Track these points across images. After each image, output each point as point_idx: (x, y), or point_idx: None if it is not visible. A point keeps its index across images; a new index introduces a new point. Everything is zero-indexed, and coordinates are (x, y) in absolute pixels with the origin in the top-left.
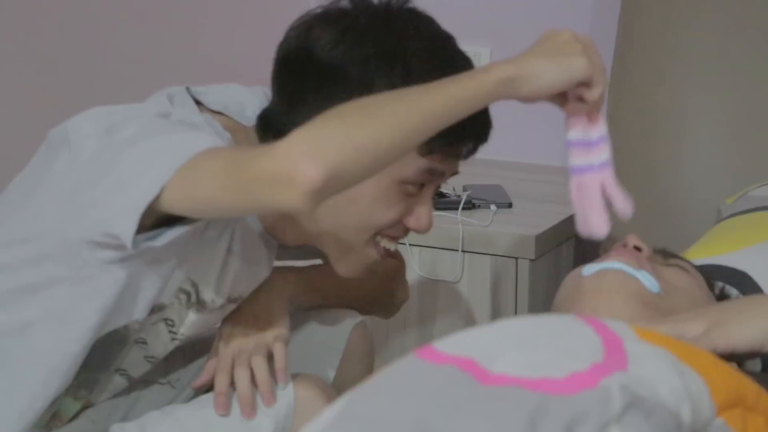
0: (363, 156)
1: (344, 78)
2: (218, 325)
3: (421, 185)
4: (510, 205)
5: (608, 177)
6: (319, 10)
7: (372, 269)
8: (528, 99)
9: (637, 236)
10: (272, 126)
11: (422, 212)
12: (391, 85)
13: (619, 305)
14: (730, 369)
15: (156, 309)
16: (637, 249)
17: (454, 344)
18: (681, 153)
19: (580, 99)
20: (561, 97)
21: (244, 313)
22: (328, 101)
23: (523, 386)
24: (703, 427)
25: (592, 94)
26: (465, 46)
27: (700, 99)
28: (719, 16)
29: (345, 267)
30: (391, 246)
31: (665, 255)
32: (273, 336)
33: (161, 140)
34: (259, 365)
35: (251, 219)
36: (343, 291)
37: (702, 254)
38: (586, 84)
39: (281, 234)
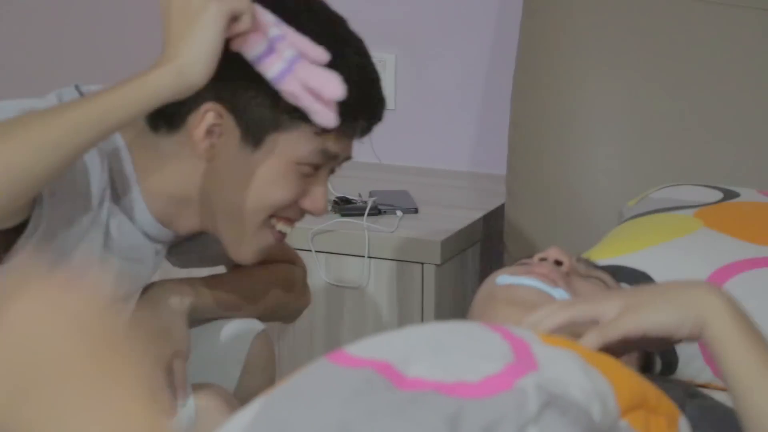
0: None
1: (235, 57)
2: None
3: (317, 166)
4: (416, 211)
5: (303, 72)
6: None
7: (275, 272)
8: (203, 82)
9: (559, 248)
10: (163, 111)
11: (318, 193)
12: None
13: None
14: (632, 372)
15: None
16: (558, 263)
17: (368, 348)
18: (585, 156)
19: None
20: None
21: (142, 329)
22: (220, 81)
23: (440, 391)
24: (609, 429)
25: (245, 23)
26: (370, 52)
27: (603, 102)
28: (620, 21)
29: (241, 252)
30: (287, 229)
31: (587, 266)
32: (171, 351)
33: None
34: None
35: (137, 211)
36: (243, 300)
37: (603, 255)
38: (234, 20)
39: (174, 221)
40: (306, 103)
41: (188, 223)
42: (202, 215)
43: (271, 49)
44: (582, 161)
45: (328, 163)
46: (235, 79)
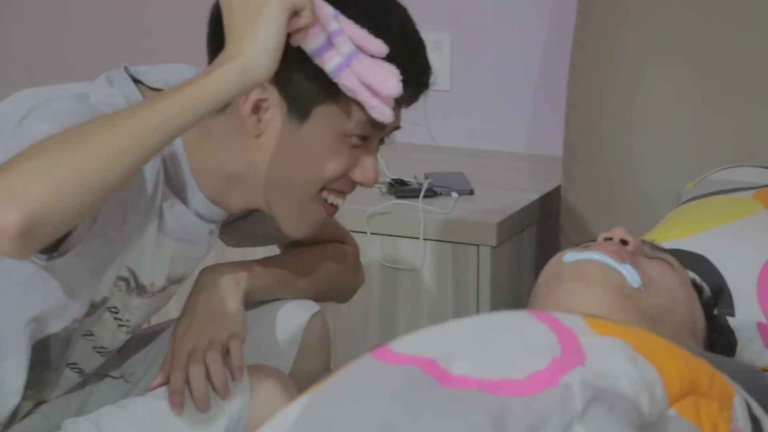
0: (65, 191)
1: None
2: (169, 315)
3: (365, 137)
4: (471, 192)
5: (359, 67)
6: None
7: (328, 252)
8: (267, 78)
9: (624, 228)
10: None
11: (368, 164)
12: None
13: (598, 293)
14: (684, 354)
15: (99, 304)
16: (624, 242)
17: (412, 344)
18: (642, 138)
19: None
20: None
21: (198, 312)
22: None
23: (484, 389)
24: (657, 418)
25: (306, 17)
26: (426, 33)
27: (662, 83)
28: (677, 2)
29: (293, 226)
30: (338, 201)
31: (652, 248)
32: (228, 333)
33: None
34: (213, 361)
35: (189, 192)
36: (297, 281)
37: (661, 238)
38: (294, 15)
39: (225, 199)
40: (363, 97)
41: (240, 200)
42: (253, 192)
43: (329, 43)
44: (640, 143)
45: (376, 133)
46: None
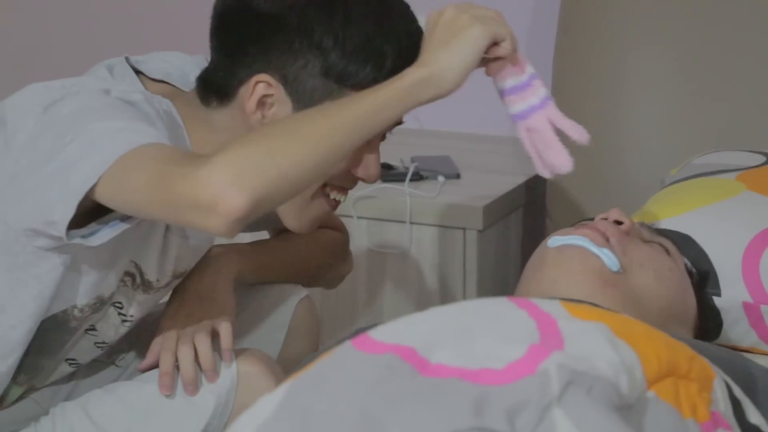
0: (286, 180)
1: (284, 26)
2: (165, 300)
3: None
4: (458, 176)
5: (553, 111)
6: None
7: (318, 238)
8: (453, 90)
9: (620, 210)
10: (214, 84)
11: (371, 160)
12: (332, 32)
13: (578, 281)
14: (663, 338)
15: (106, 300)
16: (618, 223)
17: (392, 333)
18: (627, 122)
19: (497, 58)
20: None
21: (188, 294)
22: (269, 52)
23: (464, 378)
24: (636, 400)
25: (504, 49)
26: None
27: (647, 67)
28: None
29: (296, 222)
30: (341, 197)
31: (650, 232)
32: (217, 315)
33: (104, 126)
34: (202, 343)
35: None
36: (287, 266)
37: (646, 218)
38: (494, 44)
39: None
40: (544, 141)
41: None
42: None
43: (528, 84)
44: (625, 126)
45: None
46: (284, 50)
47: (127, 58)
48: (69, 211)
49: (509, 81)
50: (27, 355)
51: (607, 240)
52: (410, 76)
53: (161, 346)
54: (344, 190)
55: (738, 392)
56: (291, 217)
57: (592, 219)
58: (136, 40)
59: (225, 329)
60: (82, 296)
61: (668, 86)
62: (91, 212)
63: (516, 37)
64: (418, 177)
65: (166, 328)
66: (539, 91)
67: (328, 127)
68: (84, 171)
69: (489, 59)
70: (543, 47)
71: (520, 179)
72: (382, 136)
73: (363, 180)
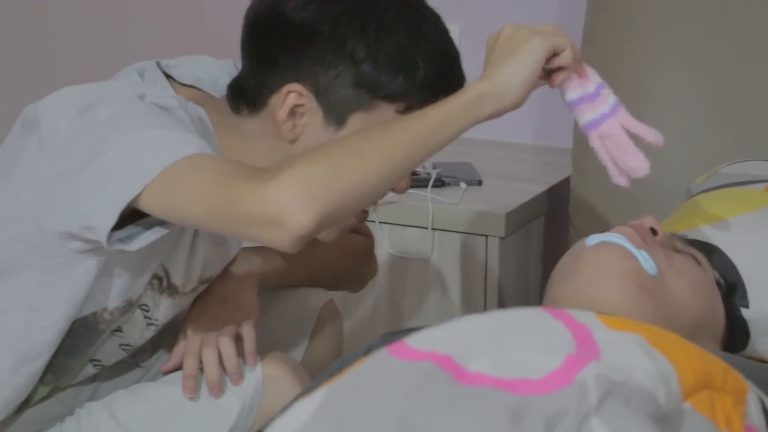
0: (350, 197)
1: (316, 37)
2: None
3: None
4: (480, 183)
5: (625, 116)
6: None
7: (343, 242)
8: (516, 104)
9: (655, 218)
10: (245, 93)
11: None
12: (364, 43)
13: (613, 285)
14: (697, 350)
15: (134, 302)
16: (654, 231)
17: (429, 340)
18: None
19: (559, 69)
20: (540, 83)
21: (212, 296)
22: (301, 62)
23: (501, 387)
24: (673, 412)
25: (564, 59)
26: None
27: (672, 76)
28: None
29: (324, 232)
30: (370, 207)
31: (683, 242)
32: (242, 318)
33: (144, 134)
34: (227, 346)
35: None
36: (311, 270)
37: (672, 228)
38: (554, 55)
39: None
40: (618, 146)
41: None
42: None
43: (596, 94)
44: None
45: None
46: (316, 60)
47: (158, 63)
48: (110, 219)
49: (576, 92)
50: (55, 356)
51: (645, 243)
52: (471, 90)
53: (185, 348)
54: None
55: None
56: None
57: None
58: (164, 42)
59: (249, 332)
60: (113, 299)
61: (693, 96)
62: (128, 215)
63: (578, 49)
64: (440, 183)
65: (189, 330)
66: (608, 99)
67: (392, 145)
68: (127, 179)
69: (551, 71)
70: None
71: (543, 187)
72: None
73: (392, 190)
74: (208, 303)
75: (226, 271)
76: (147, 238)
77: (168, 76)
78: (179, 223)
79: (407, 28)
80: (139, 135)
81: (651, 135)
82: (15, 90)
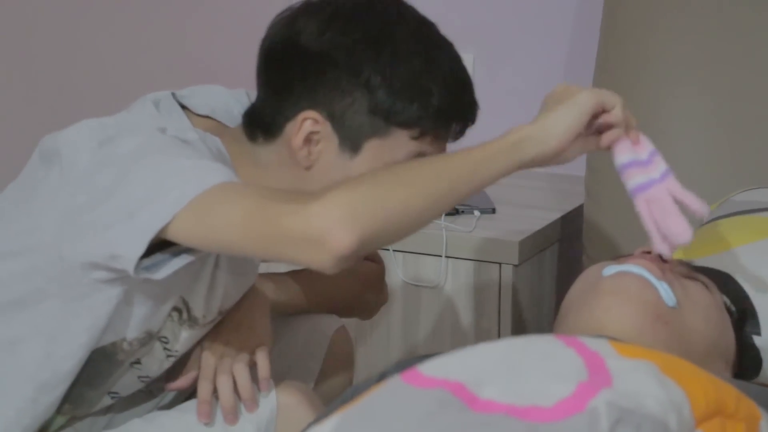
0: (392, 223)
1: (332, 64)
2: None
3: None
4: (494, 211)
5: (673, 183)
6: (300, 3)
7: (354, 268)
8: (558, 149)
9: None
10: (260, 121)
11: None
12: (379, 70)
13: (631, 314)
14: (710, 377)
15: (154, 334)
16: (662, 259)
17: (441, 368)
18: (665, 158)
19: (608, 127)
20: (592, 143)
21: (226, 323)
22: (316, 89)
23: (512, 414)
24: None
25: (614, 115)
26: None
27: (684, 104)
28: (702, 23)
29: None
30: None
31: (689, 269)
32: (255, 344)
33: (171, 165)
34: (241, 372)
35: None
36: (323, 296)
37: (686, 256)
38: (604, 112)
39: None
40: (663, 210)
41: None
42: None
43: (648, 161)
44: None
45: None
46: (332, 87)
47: (173, 94)
48: (139, 247)
49: (627, 156)
50: (73, 385)
51: (664, 274)
52: (516, 133)
53: (199, 374)
54: None
55: None
56: None
57: (631, 254)
58: (179, 73)
59: (262, 358)
60: (132, 329)
61: (706, 123)
62: (153, 245)
63: (631, 114)
64: (454, 211)
65: (204, 356)
66: (660, 166)
67: (436, 177)
68: (156, 208)
69: (602, 130)
70: (581, 84)
71: (556, 215)
72: None
73: None
74: (222, 329)
75: (239, 299)
76: (174, 265)
77: (183, 107)
78: (210, 249)
79: (421, 55)
80: (166, 165)
81: (697, 204)
82: (24, 119)
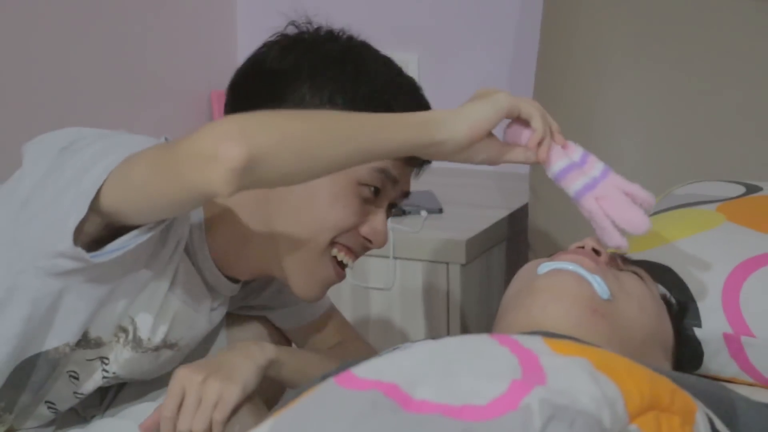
0: (289, 147)
1: (296, 79)
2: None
3: (377, 190)
4: (441, 211)
5: (618, 179)
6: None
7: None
8: (465, 138)
9: (595, 239)
10: None
11: (377, 221)
12: (341, 87)
13: (567, 309)
14: (645, 371)
15: (94, 344)
16: (596, 252)
17: (375, 369)
18: (607, 155)
19: (516, 140)
20: (495, 149)
21: (209, 362)
22: (281, 106)
23: (446, 414)
24: None
25: (535, 125)
26: (393, 53)
27: (625, 100)
28: (641, 18)
29: (304, 284)
30: (348, 261)
31: (623, 260)
32: (230, 387)
33: (112, 141)
34: (199, 420)
35: (200, 258)
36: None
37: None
38: (525, 122)
39: (234, 262)
40: (617, 205)
41: (248, 265)
42: (262, 253)
43: (582, 162)
44: (605, 158)
45: (387, 188)
46: (296, 104)
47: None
48: (80, 212)
49: (562, 161)
50: (8, 388)
51: (597, 267)
52: (432, 113)
53: (160, 411)
54: (351, 252)
55: (719, 425)
56: (298, 278)
57: (564, 250)
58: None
59: (224, 401)
60: (72, 333)
61: (646, 119)
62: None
63: (553, 121)
64: (401, 212)
65: (170, 392)
66: (597, 165)
67: (340, 119)
68: (94, 174)
69: (510, 141)
70: (524, 83)
71: (503, 213)
72: (392, 204)
73: (369, 241)
74: (201, 366)
75: (232, 349)
76: (125, 243)
77: None
78: (137, 205)
79: (383, 73)
80: (108, 143)
81: (643, 195)
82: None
